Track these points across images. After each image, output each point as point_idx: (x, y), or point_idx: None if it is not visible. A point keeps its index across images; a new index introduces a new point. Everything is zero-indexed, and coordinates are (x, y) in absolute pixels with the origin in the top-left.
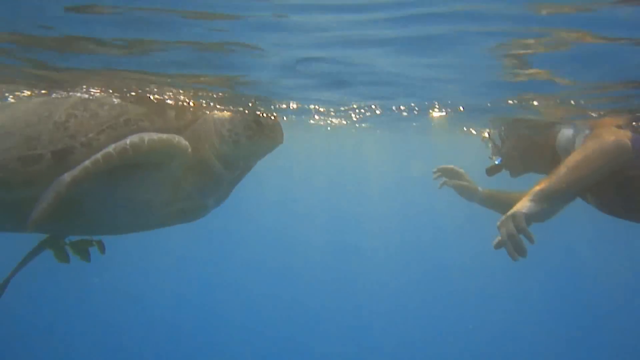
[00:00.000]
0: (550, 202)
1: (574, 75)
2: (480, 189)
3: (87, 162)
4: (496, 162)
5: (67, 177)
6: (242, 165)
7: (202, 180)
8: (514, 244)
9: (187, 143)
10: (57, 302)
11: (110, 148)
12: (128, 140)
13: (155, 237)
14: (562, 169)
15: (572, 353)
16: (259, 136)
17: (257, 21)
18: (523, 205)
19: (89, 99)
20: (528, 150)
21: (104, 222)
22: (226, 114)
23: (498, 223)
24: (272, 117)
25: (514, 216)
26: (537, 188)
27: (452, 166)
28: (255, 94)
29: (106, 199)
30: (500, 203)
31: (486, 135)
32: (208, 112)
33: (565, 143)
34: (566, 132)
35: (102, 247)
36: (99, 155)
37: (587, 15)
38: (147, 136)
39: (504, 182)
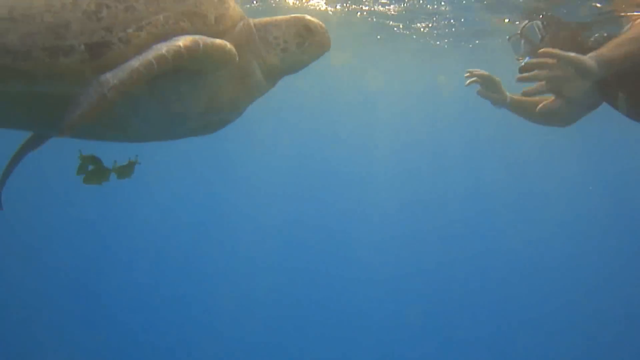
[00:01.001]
0: (604, 72)
1: None
2: (509, 95)
3: (137, 65)
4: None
5: (113, 79)
6: (284, 74)
7: (237, 92)
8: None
9: (235, 51)
10: (57, 303)
11: (163, 50)
12: (181, 42)
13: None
14: (620, 39)
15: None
16: (309, 43)
17: None
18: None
19: None
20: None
21: (132, 129)
22: (268, 19)
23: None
24: (321, 23)
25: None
26: (595, 53)
27: (487, 73)
28: None
29: (141, 104)
30: (530, 106)
31: (517, 32)
32: (246, 18)
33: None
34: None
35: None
36: (150, 57)
37: None
38: (201, 40)
39: None
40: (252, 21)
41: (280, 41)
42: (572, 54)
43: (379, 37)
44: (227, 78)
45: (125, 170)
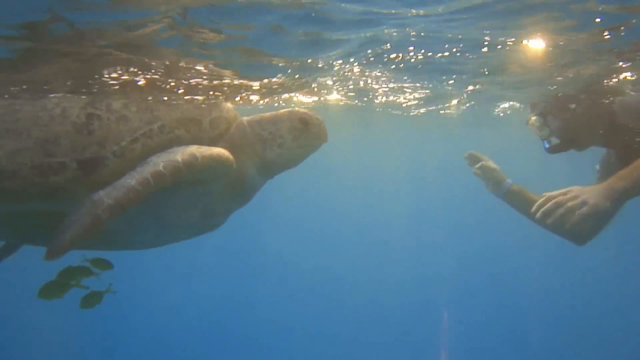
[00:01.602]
0: (622, 202)
1: None
2: (509, 180)
3: (132, 182)
4: (547, 145)
5: (108, 198)
6: (282, 170)
7: (234, 193)
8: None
9: (232, 158)
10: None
11: (160, 166)
12: (179, 157)
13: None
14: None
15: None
16: (305, 136)
17: None
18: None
19: (104, 96)
20: (592, 117)
21: (123, 241)
22: (262, 115)
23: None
24: (315, 114)
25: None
26: (613, 185)
27: (484, 156)
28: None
29: (134, 220)
30: (527, 201)
31: (533, 119)
32: (239, 117)
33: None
34: (636, 97)
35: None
36: (147, 175)
37: None
38: (199, 152)
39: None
40: (245, 119)
41: (276, 136)
42: (585, 212)
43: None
44: (223, 183)
45: (93, 300)
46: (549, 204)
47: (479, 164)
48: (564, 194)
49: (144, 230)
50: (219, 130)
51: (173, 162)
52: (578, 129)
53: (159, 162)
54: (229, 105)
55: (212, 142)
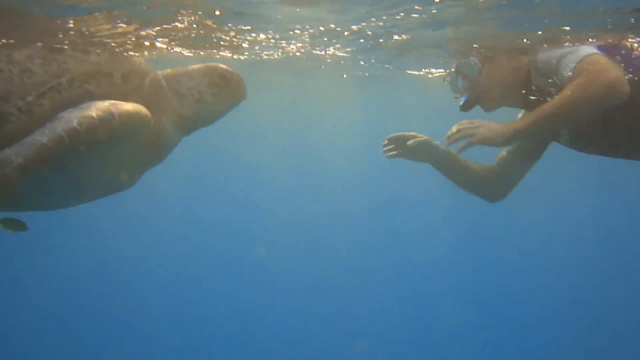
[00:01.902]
0: (515, 140)
1: None
2: (441, 145)
3: (44, 140)
4: (462, 100)
5: (17, 157)
6: (200, 127)
7: (147, 152)
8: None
9: (150, 115)
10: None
11: (74, 122)
12: (94, 113)
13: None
14: (548, 110)
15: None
16: (224, 92)
17: None
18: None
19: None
20: (504, 78)
21: (29, 203)
22: (178, 70)
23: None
24: (234, 70)
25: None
26: (517, 126)
27: (403, 133)
28: None
29: (42, 180)
30: (458, 167)
31: (452, 70)
32: (153, 72)
33: (546, 68)
34: (544, 56)
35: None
36: (60, 132)
37: None
38: (114, 107)
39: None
40: (160, 73)
41: (194, 92)
42: (484, 136)
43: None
44: (139, 141)
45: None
46: (453, 129)
47: (411, 141)
48: (471, 122)
49: (52, 191)
50: (131, 85)
51: (88, 118)
52: (488, 88)
53: (72, 119)
54: (140, 58)
55: (125, 97)
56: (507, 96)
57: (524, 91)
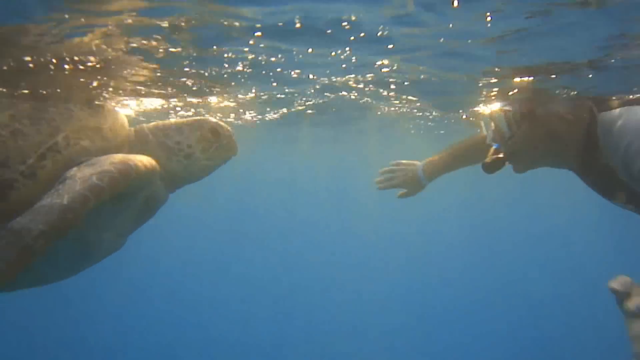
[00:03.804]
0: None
1: None
2: (419, 163)
3: (67, 202)
4: (494, 148)
5: (37, 225)
6: (186, 183)
7: (145, 207)
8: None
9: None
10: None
11: (94, 179)
12: (112, 168)
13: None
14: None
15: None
16: (215, 148)
17: None
18: None
19: None
20: (551, 136)
21: (38, 275)
22: (166, 122)
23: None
24: (227, 125)
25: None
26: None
27: (394, 164)
28: None
29: (56, 246)
30: (456, 165)
31: (487, 114)
32: (137, 125)
33: (618, 145)
34: (621, 123)
35: None
36: (82, 190)
37: None
38: (130, 161)
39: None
40: (145, 126)
41: (183, 146)
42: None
43: None
44: (143, 196)
45: None
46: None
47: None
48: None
49: (62, 261)
50: (120, 138)
51: (107, 172)
52: (523, 149)
53: (91, 176)
54: (116, 109)
55: (117, 151)
56: (548, 158)
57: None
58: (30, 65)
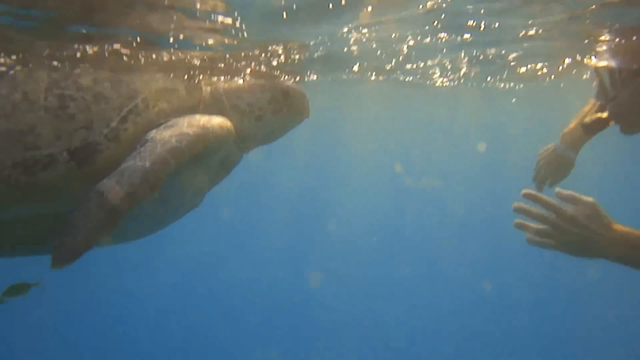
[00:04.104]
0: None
1: None
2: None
3: (149, 165)
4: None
5: (123, 187)
6: (260, 144)
7: (219, 166)
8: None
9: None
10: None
11: (174, 141)
12: (189, 131)
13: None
14: None
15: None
16: (287, 110)
17: None
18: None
19: (65, 71)
20: None
21: (127, 232)
22: (239, 84)
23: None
24: (298, 87)
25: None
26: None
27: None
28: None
29: (141, 206)
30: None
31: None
32: (213, 84)
33: None
34: None
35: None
36: (163, 153)
37: None
38: (207, 123)
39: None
40: (222, 87)
41: (254, 108)
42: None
43: None
44: (219, 156)
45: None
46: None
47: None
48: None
49: (145, 218)
50: (195, 100)
51: (185, 135)
52: (630, 109)
53: (169, 138)
54: (196, 71)
55: (192, 111)
56: None
57: None
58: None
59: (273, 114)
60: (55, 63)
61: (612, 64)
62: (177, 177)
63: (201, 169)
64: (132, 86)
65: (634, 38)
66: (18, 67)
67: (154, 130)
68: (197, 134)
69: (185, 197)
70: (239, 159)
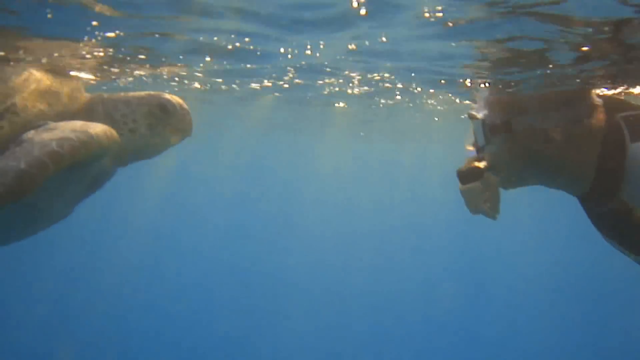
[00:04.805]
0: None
1: None
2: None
3: (24, 166)
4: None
5: None
6: (136, 159)
7: (90, 179)
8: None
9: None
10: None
11: (53, 146)
12: (72, 136)
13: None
14: None
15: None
16: (163, 126)
17: None
18: None
19: None
20: (536, 157)
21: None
22: (122, 94)
23: None
24: (181, 102)
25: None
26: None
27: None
28: None
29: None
30: None
31: (475, 114)
32: (100, 94)
33: None
34: None
35: None
36: (41, 156)
37: None
38: (91, 129)
39: None
40: (103, 95)
41: (128, 120)
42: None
43: None
44: (96, 166)
45: None
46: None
47: None
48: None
49: (10, 225)
50: (77, 104)
51: (68, 140)
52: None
53: (49, 141)
54: (78, 80)
55: (72, 118)
56: (541, 179)
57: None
58: None
59: (148, 128)
60: None
61: (481, 115)
62: (52, 184)
63: (77, 177)
64: (10, 84)
65: (503, 92)
66: None
67: (32, 131)
68: (81, 140)
69: (55, 206)
70: (111, 173)
